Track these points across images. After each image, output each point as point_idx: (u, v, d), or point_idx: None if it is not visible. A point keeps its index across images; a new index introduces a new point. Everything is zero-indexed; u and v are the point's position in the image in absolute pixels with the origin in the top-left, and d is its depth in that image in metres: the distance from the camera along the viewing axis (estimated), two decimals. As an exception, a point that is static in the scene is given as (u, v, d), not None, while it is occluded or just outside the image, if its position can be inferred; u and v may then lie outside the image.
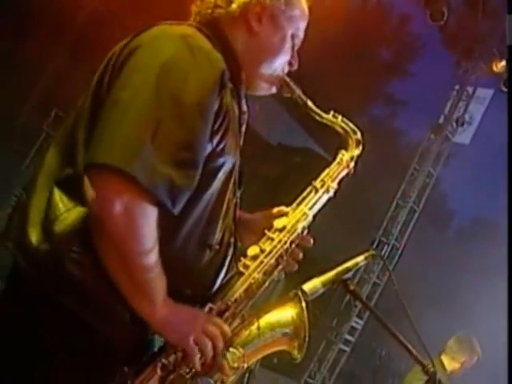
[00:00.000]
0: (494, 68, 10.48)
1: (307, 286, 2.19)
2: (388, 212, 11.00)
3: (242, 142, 2.04)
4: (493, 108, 11.31)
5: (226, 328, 1.87)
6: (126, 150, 1.61)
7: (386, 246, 10.87)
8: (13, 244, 1.77)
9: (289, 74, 2.16)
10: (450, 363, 5.85)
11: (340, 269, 2.28)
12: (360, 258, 2.32)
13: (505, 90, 10.49)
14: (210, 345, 1.81)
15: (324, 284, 2.23)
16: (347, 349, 10.93)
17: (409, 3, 10.71)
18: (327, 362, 10.74)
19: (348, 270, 2.28)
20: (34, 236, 1.71)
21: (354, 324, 10.89)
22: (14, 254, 1.77)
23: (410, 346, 2.35)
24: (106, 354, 1.73)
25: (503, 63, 10.36)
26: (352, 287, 2.30)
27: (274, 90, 2.15)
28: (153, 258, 1.68)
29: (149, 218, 1.65)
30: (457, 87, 11.11)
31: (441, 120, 11.08)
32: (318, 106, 2.22)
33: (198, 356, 1.80)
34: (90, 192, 1.64)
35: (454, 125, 11.10)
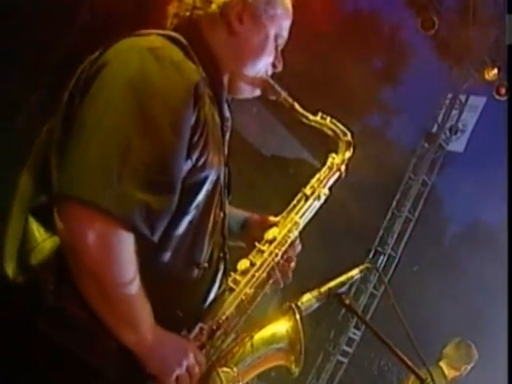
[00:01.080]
0: (486, 76, 10.50)
1: (302, 301, 2.14)
2: (383, 222, 10.98)
3: (226, 150, 1.96)
4: (486, 116, 11.35)
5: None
6: (96, 179, 1.54)
7: (381, 256, 10.85)
8: None
9: (273, 76, 2.08)
10: (449, 371, 5.81)
11: (334, 283, 2.24)
12: (355, 272, 2.29)
13: (497, 97, 10.52)
14: None
15: (318, 299, 2.19)
16: (345, 360, 10.87)
17: (400, 12, 10.72)
18: (325, 374, 10.67)
19: (343, 284, 2.25)
20: (11, 268, 1.64)
21: (351, 335, 10.83)
22: None
23: (406, 359, 2.32)
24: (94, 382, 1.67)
25: (495, 71, 10.39)
26: (347, 301, 2.26)
27: (257, 92, 2.06)
28: (134, 286, 1.61)
29: (125, 245, 1.57)
30: (449, 95, 11.15)
31: (434, 129, 11.10)
32: (304, 108, 2.14)
33: None
34: (59, 224, 1.56)
35: (448, 133, 11.12)
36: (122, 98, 1.60)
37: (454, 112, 11.07)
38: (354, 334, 10.85)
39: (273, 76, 2.08)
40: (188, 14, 1.94)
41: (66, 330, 1.62)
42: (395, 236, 10.93)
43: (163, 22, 2.03)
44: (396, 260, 11.02)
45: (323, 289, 2.22)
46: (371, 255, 10.72)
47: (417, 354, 2.44)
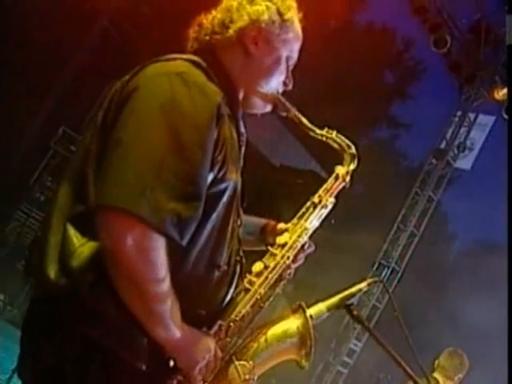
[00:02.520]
0: (496, 95, 10.65)
1: (313, 310, 2.28)
2: (388, 235, 11.10)
3: (242, 163, 2.13)
4: (494, 134, 11.46)
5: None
6: (133, 191, 1.70)
7: (385, 269, 10.96)
8: (34, 279, 1.89)
9: (284, 93, 2.25)
10: (445, 381, 5.84)
11: (344, 294, 2.38)
12: (363, 285, 2.42)
13: (506, 117, 10.64)
14: (209, 375, 1.93)
15: (328, 308, 2.33)
16: (345, 371, 10.96)
17: (412, 28, 10.87)
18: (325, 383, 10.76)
19: (352, 295, 2.38)
20: (53, 272, 1.79)
21: (352, 346, 10.93)
22: (35, 289, 1.89)
23: (409, 370, 2.43)
24: (127, 374, 1.82)
25: (505, 91, 10.53)
26: (355, 312, 2.40)
27: (268, 108, 2.23)
28: (165, 285, 1.76)
29: (159, 250, 1.73)
30: (459, 113, 11.28)
31: (442, 145, 11.22)
32: (312, 123, 2.30)
33: (199, 381, 1.90)
34: (101, 230, 1.74)
35: (456, 150, 11.24)
36: (155, 120, 1.78)
37: (463, 130, 11.22)
38: (355, 345, 10.94)
39: (283, 93, 2.26)
40: (207, 38, 2.12)
41: (101, 327, 1.78)
42: (400, 250, 11.03)
43: (182, 39, 2.21)
44: (399, 274, 11.11)
45: (333, 299, 2.35)
46: (375, 268, 10.84)
47: (417, 364, 2.57)
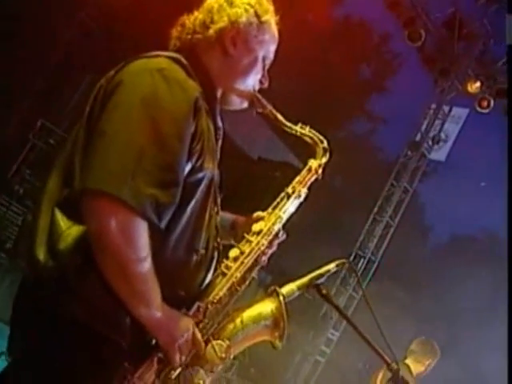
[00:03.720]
0: (469, 89, 10.86)
1: (284, 290, 2.41)
2: (364, 226, 11.30)
3: (219, 155, 2.27)
4: (468, 127, 11.70)
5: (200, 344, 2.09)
6: (115, 176, 1.83)
7: (362, 260, 11.17)
8: (24, 262, 2.00)
9: (260, 90, 2.39)
10: (415, 366, 6.04)
11: (313, 274, 2.50)
12: (331, 265, 2.54)
13: (479, 109, 10.87)
14: (187, 353, 2.04)
15: (299, 288, 2.45)
16: (323, 360, 11.15)
17: (390, 22, 11.03)
18: (303, 373, 10.94)
19: (321, 275, 2.51)
20: (42, 254, 1.91)
21: (329, 335, 11.12)
22: (26, 270, 2.00)
23: (376, 346, 2.57)
24: (110, 352, 1.93)
25: (478, 84, 10.75)
26: (324, 291, 2.51)
27: (245, 105, 2.37)
28: (147, 265, 1.89)
29: (141, 231, 1.86)
30: (433, 106, 11.49)
31: (417, 137, 11.43)
32: (288, 119, 2.45)
33: (178, 358, 2.02)
34: (86, 212, 1.86)
35: (430, 142, 11.45)
36: (137, 112, 1.91)
37: (437, 122, 11.45)
38: (333, 334, 11.14)
39: (260, 91, 2.40)
40: (189, 37, 2.25)
41: (86, 307, 1.90)
42: (376, 240, 11.24)
43: (161, 33, 2.34)
44: (375, 264, 11.32)
45: (303, 279, 2.48)
46: (352, 258, 11.02)
47: (387, 346, 2.71)
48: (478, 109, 10.89)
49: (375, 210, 11.29)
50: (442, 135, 11.53)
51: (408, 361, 6.10)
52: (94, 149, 1.90)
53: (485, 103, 10.76)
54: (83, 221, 1.88)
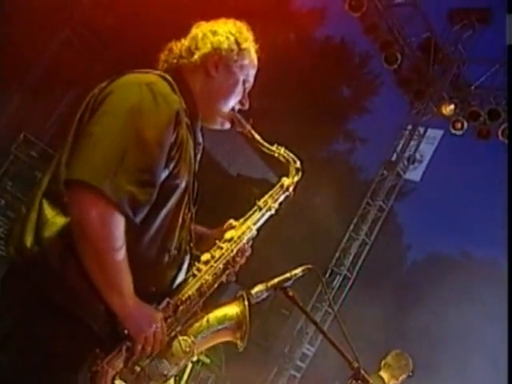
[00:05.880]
0: (443, 111, 11.17)
1: (254, 290, 2.62)
2: (341, 243, 11.50)
3: (196, 168, 2.47)
4: (442, 148, 11.99)
5: (165, 338, 2.28)
6: (98, 171, 2.03)
7: (338, 276, 11.35)
8: (13, 248, 2.18)
9: (240, 111, 2.60)
10: (390, 380, 6.17)
11: (281, 278, 2.71)
12: (298, 270, 2.74)
13: (453, 131, 11.17)
14: (153, 344, 2.22)
15: (267, 288, 2.65)
16: (298, 374, 11.28)
17: (370, 43, 11.32)
18: (278, 387, 11.05)
19: (288, 279, 2.71)
20: (29, 241, 2.12)
21: (305, 351, 11.26)
22: (14, 256, 2.18)
23: (339, 346, 2.75)
24: (84, 336, 2.12)
25: (452, 106, 11.07)
26: (291, 293, 2.71)
27: (227, 125, 2.59)
28: (121, 255, 2.08)
29: (118, 223, 2.06)
30: (409, 127, 11.77)
31: (393, 157, 11.68)
32: (265, 139, 2.65)
33: (143, 348, 2.20)
34: (70, 201, 2.06)
35: (406, 162, 11.71)
36: (123, 119, 2.13)
37: (413, 143, 11.70)
38: (308, 349, 11.28)
39: (240, 112, 2.60)
40: (175, 61, 2.48)
41: (65, 289, 2.09)
42: (351, 258, 11.43)
43: (146, 60, 2.55)
44: (351, 281, 11.51)
45: (272, 281, 2.68)
46: (328, 275, 11.21)
47: (351, 348, 2.88)
48: (452, 130, 11.19)
49: (351, 227, 11.50)
50: (417, 155, 11.79)
51: (382, 373, 6.22)
52: (81, 147, 2.11)
53: (458, 125, 11.06)
54: (67, 210, 2.08)
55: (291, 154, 2.69)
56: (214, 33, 2.49)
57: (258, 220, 2.62)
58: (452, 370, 12.55)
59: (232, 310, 2.45)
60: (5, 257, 2.30)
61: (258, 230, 2.64)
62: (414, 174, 11.97)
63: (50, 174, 2.25)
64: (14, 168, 8.18)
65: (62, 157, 2.21)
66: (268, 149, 2.65)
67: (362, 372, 2.74)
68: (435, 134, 11.87)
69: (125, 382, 2.20)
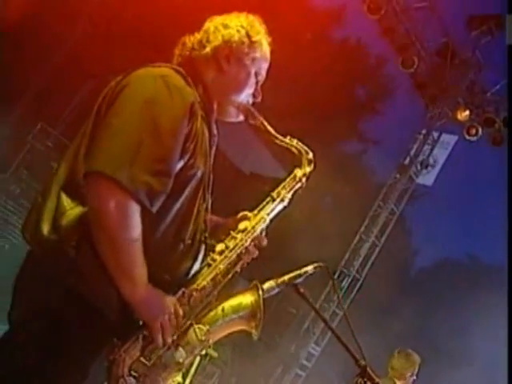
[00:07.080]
0: (458, 116, 11.16)
1: (265, 285, 2.65)
2: (350, 245, 11.53)
3: (212, 159, 2.52)
4: (456, 153, 11.98)
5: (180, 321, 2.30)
6: (116, 162, 2.08)
7: (346, 278, 11.37)
8: (29, 235, 2.24)
9: (253, 104, 2.64)
10: (399, 380, 6.13)
11: (292, 274, 2.74)
12: (309, 267, 2.78)
13: (467, 137, 11.17)
14: (170, 331, 2.26)
15: (278, 284, 2.69)
16: (303, 374, 11.31)
17: (386, 46, 11.33)
18: (283, 385, 11.08)
19: (299, 275, 2.75)
20: (46, 229, 2.17)
21: (311, 350, 11.29)
22: (30, 243, 2.24)
23: (347, 345, 2.79)
24: (101, 324, 2.17)
25: (467, 112, 11.06)
26: (301, 290, 2.75)
27: (241, 117, 2.63)
28: (136, 244, 2.12)
29: (134, 213, 2.11)
30: (423, 131, 11.76)
31: (406, 161, 11.68)
32: (277, 131, 2.68)
33: (160, 336, 2.23)
34: (88, 192, 2.11)
35: (419, 166, 11.70)
36: (140, 111, 2.19)
37: (426, 147, 11.69)
38: (314, 349, 11.31)
39: (253, 104, 2.64)
40: (188, 53, 2.54)
41: (80, 278, 2.14)
42: (361, 259, 11.46)
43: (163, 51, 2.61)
44: (360, 282, 11.53)
45: (283, 278, 2.72)
46: (337, 275, 11.23)
47: (359, 347, 2.92)
48: (467, 136, 11.18)
49: (362, 229, 11.52)
50: (431, 160, 11.78)
51: (392, 376, 6.16)
52: (99, 138, 2.17)
53: (473, 131, 11.07)
54: (85, 201, 2.13)
55: (304, 146, 2.72)
56: (226, 26, 2.53)
57: (272, 211, 2.65)
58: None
59: (246, 299, 2.49)
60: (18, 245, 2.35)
61: (271, 220, 2.67)
62: (427, 179, 11.97)
63: (67, 164, 2.30)
64: (30, 157, 8.28)
65: (81, 148, 2.26)
66: (281, 140, 2.68)
67: (369, 370, 2.78)
68: (449, 139, 11.86)
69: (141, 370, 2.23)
